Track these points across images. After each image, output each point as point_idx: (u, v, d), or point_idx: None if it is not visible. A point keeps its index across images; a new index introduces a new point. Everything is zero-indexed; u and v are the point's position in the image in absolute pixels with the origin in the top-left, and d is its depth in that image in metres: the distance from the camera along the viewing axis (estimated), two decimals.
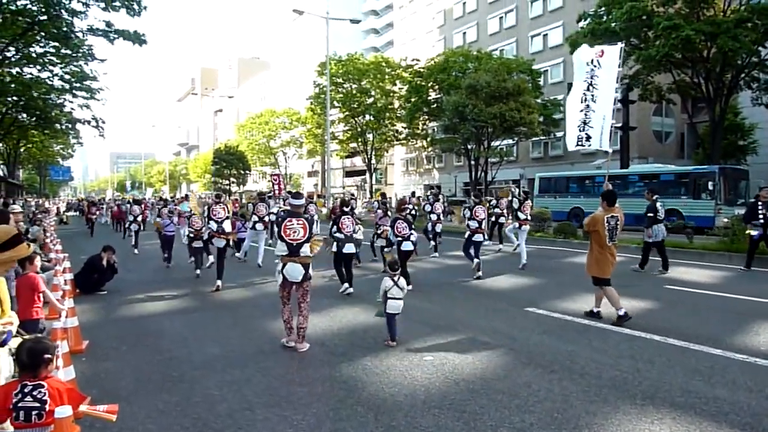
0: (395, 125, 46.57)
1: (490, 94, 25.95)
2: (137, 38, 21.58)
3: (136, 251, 16.84)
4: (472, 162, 38.65)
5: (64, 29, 21.63)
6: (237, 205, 26.92)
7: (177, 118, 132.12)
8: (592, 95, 9.61)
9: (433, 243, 15.18)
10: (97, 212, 26.51)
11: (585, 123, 9.64)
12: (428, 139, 46.39)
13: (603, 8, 26.76)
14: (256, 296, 9.44)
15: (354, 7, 73.38)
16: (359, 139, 47.11)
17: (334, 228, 9.77)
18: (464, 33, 50.73)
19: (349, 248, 9.61)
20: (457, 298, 8.91)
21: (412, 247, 9.93)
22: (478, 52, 38.05)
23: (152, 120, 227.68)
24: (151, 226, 21.70)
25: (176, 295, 9.56)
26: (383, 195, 19.43)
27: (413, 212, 20.23)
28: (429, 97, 39.86)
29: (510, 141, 36.52)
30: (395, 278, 6.24)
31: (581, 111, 9.75)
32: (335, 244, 9.60)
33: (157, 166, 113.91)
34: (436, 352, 5.82)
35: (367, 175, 51.35)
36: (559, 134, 39.51)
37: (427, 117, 42.42)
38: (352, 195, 25.71)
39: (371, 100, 45.04)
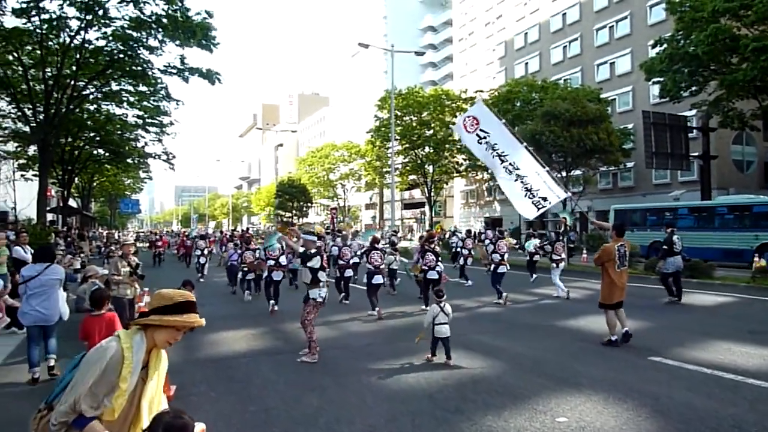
0: (455, 157, 45.99)
1: (569, 121, 24.90)
2: (210, 76, 21.92)
3: (201, 279, 18.01)
4: None
5: (141, 67, 22.26)
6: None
7: (239, 153, 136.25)
8: (511, 163, 9.64)
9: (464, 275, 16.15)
10: (161, 243, 28.76)
11: (530, 190, 9.75)
12: (490, 171, 45.49)
13: (681, 32, 25.55)
14: (341, 335, 8.87)
15: (412, 42, 74.03)
16: (419, 172, 46.71)
17: (365, 260, 11.36)
18: (526, 63, 49.98)
19: (377, 279, 11.03)
20: (566, 345, 7.99)
21: (437, 276, 11.02)
22: (543, 81, 37.17)
23: (215, 155, 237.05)
24: (215, 258, 22.20)
25: (256, 333, 9.10)
26: (430, 234, 19.51)
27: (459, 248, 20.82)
28: None
29: (581, 171, 35.07)
30: (441, 305, 6.87)
31: (516, 181, 9.81)
32: (366, 275, 11.17)
33: (220, 200, 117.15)
34: (569, 411, 5.00)
35: (426, 207, 50.68)
36: (630, 164, 37.92)
37: None
38: (395, 232, 26.39)
39: (431, 132, 44.70)
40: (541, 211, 9.91)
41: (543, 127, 25.33)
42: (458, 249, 19.51)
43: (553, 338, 8.42)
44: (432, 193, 47.97)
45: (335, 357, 7.36)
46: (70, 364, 2.45)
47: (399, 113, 43.53)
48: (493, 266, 12.47)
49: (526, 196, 9.85)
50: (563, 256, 13.45)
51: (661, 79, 26.61)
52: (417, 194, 58.87)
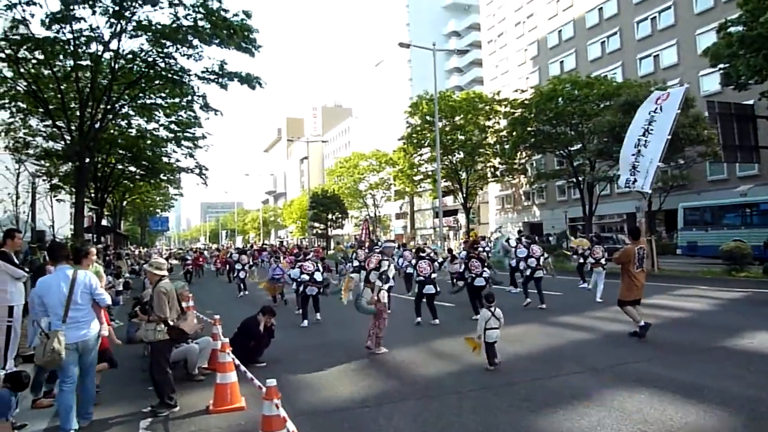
0: (490, 161, 44.24)
1: None
2: (250, 80, 20.53)
3: (240, 294, 18.00)
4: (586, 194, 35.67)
5: (178, 75, 21.00)
6: (319, 254, 26.80)
7: (264, 168, 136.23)
8: (647, 140, 10.74)
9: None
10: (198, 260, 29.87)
11: (634, 167, 10.91)
12: (529, 174, 43.72)
13: (747, 14, 23.56)
14: (440, 376, 7.20)
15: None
16: (453, 178, 45.04)
17: (414, 272, 11.21)
18: (561, 62, 48.19)
19: (429, 289, 10.57)
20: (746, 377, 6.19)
21: (484, 283, 10.86)
22: (588, 77, 35.38)
23: (239, 171, 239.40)
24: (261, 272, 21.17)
25: (355, 369, 7.45)
26: (474, 241, 17.97)
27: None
28: (531, 129, 37.25)
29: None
30: (492, 309, 6.86)
31: (632, 155, 10.93)
32: (416, 285, 10.99)
33: (249, 215, 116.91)
34: None
35: (461, 214, 48.96)
36: (681, 161, 35.72)
37: (529, 150, 39.77)
38: (433, 251, 25.27)
39: (464, 136, 43.04)
40: (626, 188, 11.53)
41: (624, 119, 22.85)
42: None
43: (743, 365, 6.61)
44: (466, 200, 46.26)
45: (483, 403, 5.72)
46: None
47: (430, 118, 42.02)
48: (529, 271, 12.49)
49: (628, 170, 11.08)
50: (602, 260, 13.40)
51: (728, 65, 24.65)
52: (449, 201, 57.20)
